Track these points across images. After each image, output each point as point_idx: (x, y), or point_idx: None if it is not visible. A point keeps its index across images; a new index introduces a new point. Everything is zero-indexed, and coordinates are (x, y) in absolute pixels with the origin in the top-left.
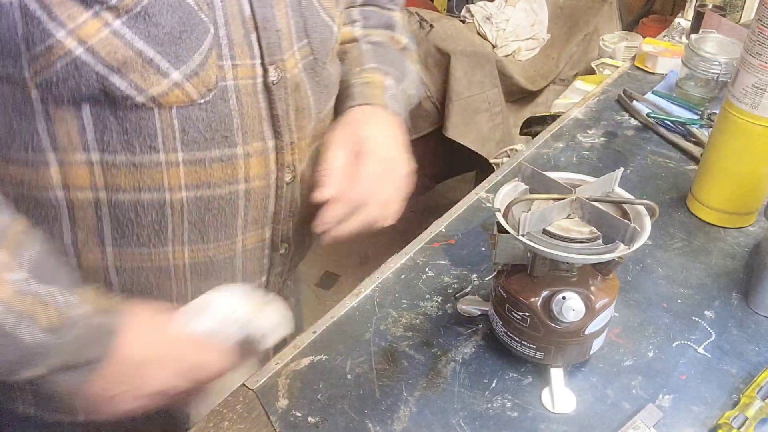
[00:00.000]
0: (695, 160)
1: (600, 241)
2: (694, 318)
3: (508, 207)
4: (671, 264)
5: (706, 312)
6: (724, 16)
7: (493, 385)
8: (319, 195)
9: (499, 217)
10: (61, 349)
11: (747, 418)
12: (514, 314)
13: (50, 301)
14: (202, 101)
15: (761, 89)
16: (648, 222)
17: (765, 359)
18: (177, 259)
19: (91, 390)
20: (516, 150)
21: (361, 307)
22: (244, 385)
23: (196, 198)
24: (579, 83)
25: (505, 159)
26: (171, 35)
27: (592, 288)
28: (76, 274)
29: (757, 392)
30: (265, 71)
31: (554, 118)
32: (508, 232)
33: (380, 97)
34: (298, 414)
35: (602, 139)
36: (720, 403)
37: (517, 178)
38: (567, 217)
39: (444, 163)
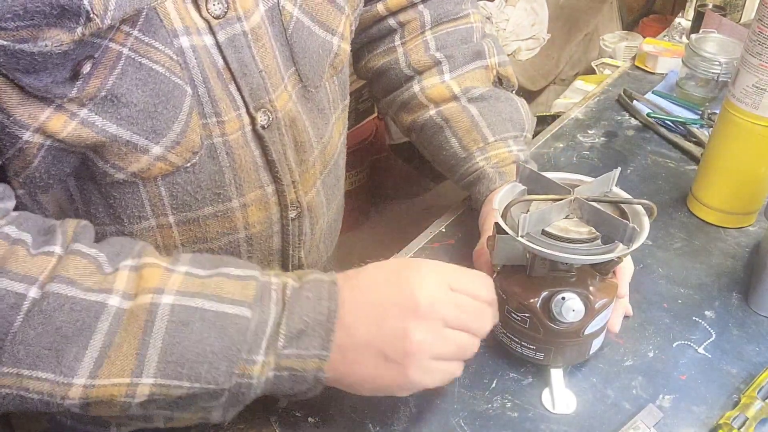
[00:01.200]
0: (695, 160)
1: (599, 241)
2: (694, 318)
3: (507, 208)
4: (671, 264)
5: (706, 312)
6: (724, 15)
7: (493, 385)
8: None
9: (498, 218)
10: (276, 318)
11: (747, 419)
12: (513, 315)
13: (227, 274)
14: (189, 165)
15: (762, 89)
16: (647, 221)
17: (765, 359)
18: None
19: (344, 362)
20: None
21: None
22: None
23: (193, 252)
24: (579, 83)
25: None
26: (145, 111)
27: (591, 288)
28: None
29: (758, 392)
30: (253, 119)
31: (554, 117)
32: (506, 233)
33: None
34: (298, 414)
35: (602, 139)
36: (720, 403)
37: (515, 179)
38: (566, 218)
39: None
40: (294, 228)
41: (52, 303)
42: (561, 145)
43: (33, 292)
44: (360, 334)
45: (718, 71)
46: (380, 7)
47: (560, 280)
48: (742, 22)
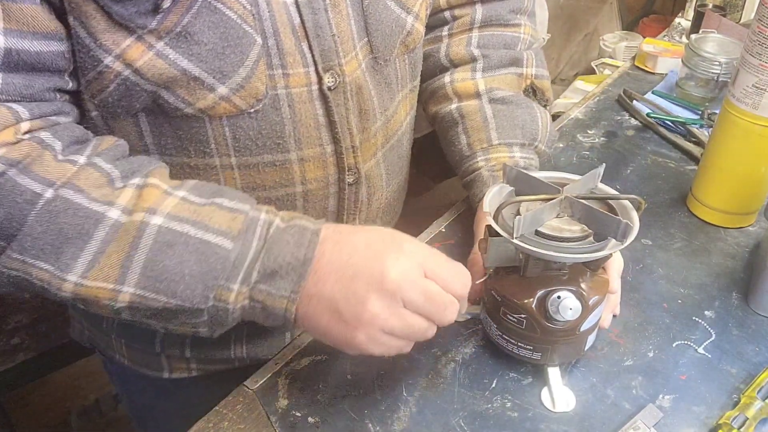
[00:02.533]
0: (695, 160)
1: (591, 238)
2: (694, 318)
3: (498, 210)
4: (671, 264)
5: (706, 312)
6: (724, 15)
7: (493, 385)
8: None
9: (491, 221)
10: (255, 253)
11: (747, 418)
12: (509, 317)
13: (220, 205)
14: (252, 110)
15: (761, 89)
16: (635, 216)
17: (765, 359)
18: None
19: (308, 308)
20: None
21: None
22: (244, 385)
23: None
24: (579, 83)
25: None
26: (214, 51)
27: (584, 285)
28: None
29: (758, 392)
30: (320, 78)
31: (554, 117)
32: (499, 235)
33: None
34: (298, 414)
35: (602, 139)
36: (720, 403)
37: (502, 181)
38: (557, 217)
39: (444, 163)
40: (351, 193)
41: (59, 205)
42: (561, 145)
43: (48, 194)
44: (327, 288)
45: (718, 71)
46: (443, 0)
47: (553, 279)
48: (741, 22)
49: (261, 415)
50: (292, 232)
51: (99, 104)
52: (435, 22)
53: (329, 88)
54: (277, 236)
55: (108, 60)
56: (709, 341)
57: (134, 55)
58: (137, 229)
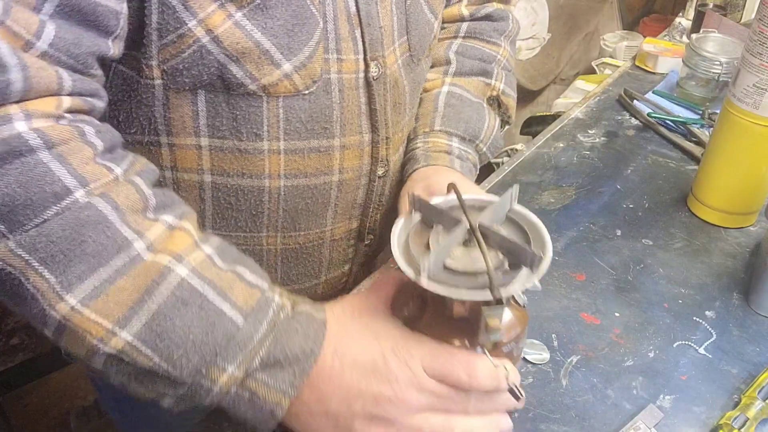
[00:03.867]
0: (696, 160)
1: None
2: (694, 318)
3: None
4: (672, 264)
5: (707, 312)
6: (724, 15)
7: None
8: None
9: (504, 294)
10: (261, 337)
11: (748, 419)
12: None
13: (241, 276)
14: (307, 92)
15: (762, 89)
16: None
17: (766, 359)
18: (270, 245)
19: (303, 406)
20: (516, 150)
21: None
22: None
23: (292, 187)
24: (580, 83)
25: (506, 159)
26: (285, 27)
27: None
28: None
29: (758, 393)
30: (367, 66)
31: (555, 117)
32: (499, 303)
33: (444, 160)
34: None
35: (603, 138)
36: (721, 403)
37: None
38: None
39: None
40: (378, 187)
41: (91, 216)
42: (561, 145)
43: (79, 194)
44: (330, 391)
45: (719, 71)
46: None
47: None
48: (742, 21)
49: None
50: (300, 319)
51: (168, 70)
52: None
53: (373, 78)
54: (287, 323)
55: (192, 23)
56: (709, 341)
57: (216, 21)
58: (159, 273)
